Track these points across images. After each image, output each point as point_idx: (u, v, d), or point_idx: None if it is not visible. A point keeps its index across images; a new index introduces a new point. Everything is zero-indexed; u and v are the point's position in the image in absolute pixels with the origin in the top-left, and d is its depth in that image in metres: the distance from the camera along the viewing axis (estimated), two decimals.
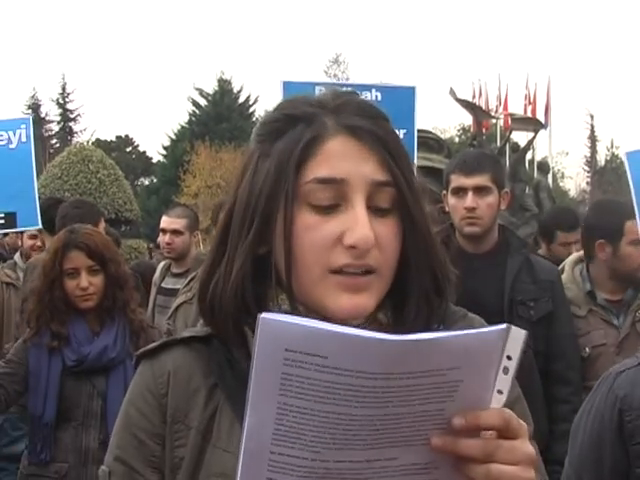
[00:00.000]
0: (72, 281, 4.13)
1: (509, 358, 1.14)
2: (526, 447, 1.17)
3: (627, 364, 2.32)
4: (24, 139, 6.22)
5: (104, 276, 4.17)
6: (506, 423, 1.15)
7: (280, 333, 1.05)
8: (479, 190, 4.07)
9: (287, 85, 5.44)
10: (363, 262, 1.37)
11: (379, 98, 5.51)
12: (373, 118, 1.45)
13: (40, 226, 6.33)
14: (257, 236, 1.44)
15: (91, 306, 4.18)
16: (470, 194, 4.06)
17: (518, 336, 1.14)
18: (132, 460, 1.48)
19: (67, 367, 4.11)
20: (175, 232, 6.50)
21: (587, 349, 4.34)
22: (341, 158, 1.40)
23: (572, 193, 57.75)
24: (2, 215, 6.06)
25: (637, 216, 4.58)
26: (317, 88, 4.79)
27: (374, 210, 1.40)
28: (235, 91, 50.58)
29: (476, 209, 4.06)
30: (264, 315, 1.05)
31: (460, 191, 4.09)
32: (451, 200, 4.13)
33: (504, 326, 1.11)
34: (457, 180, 4.10)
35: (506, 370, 1.15)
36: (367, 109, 1.46)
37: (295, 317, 1.08)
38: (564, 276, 4.61)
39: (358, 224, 1.36)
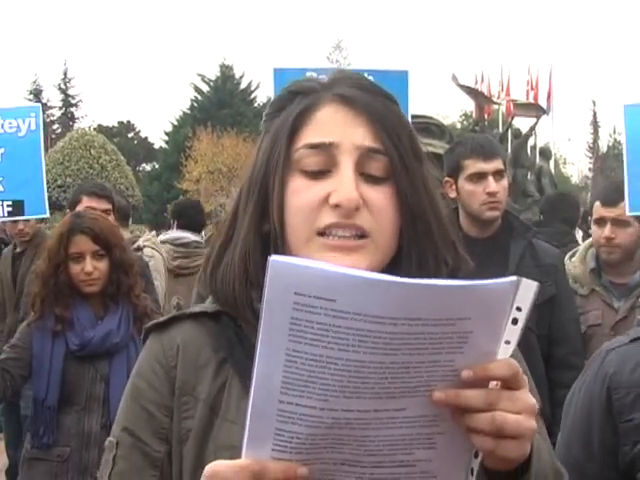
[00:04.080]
0: (77, 265, 4.14)
1: (519, 309, 1.15)
2: (528, 397, 1.18)
3: (618, 341, 2.33)
4: (33, 127, 6.20)
5: (109, 261, 4.19)
6: (513, 374, 1.16)
7: (289, 276, 1.05)
8: (497, 174, 4.08)
9: (278, 72, 5.42)
10: (351, 221, 1.39)
11: None
12: (369, 91, 1.47)
13: (47, 215, 6.35)
14: (258, 208, 1.48)
15: (95, 291, 4.19)
16: (491, 178, 4.05)
17: (529, 287, 1.14)
18: (140, 431, 1.50)
19: (70, 351, 4.12)
20: None
21: (582, 327, 4.41)
22: (331, 124, 1.43)
23: (574, 179, 57.69)
24: (10, 203, 6.05)
25: (625, 170, 4.63)
26: (308, 74, 4.76)
27: (366, 177, 1.43)
28: (237, 77, 50.44)
29: (497, 193, 4.06)
30: (274, 257, 1.06)
31: (479, 176, 4.07)
32: (468, 186, 4.09)
33: (514, 278, 1.12)
34: (475, 165, 4.07)
35: (515, 321, 1.16)
36: (364, 83, 1.50)
37: (305, 260, 1.09)
38: (576, 256, 4.72)
39: (343, 184, 1.39)
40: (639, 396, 2.18)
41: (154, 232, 7.80)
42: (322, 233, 1.41)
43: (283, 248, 1.44)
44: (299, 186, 1.43)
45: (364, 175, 1.42)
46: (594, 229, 4.51)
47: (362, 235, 1.40)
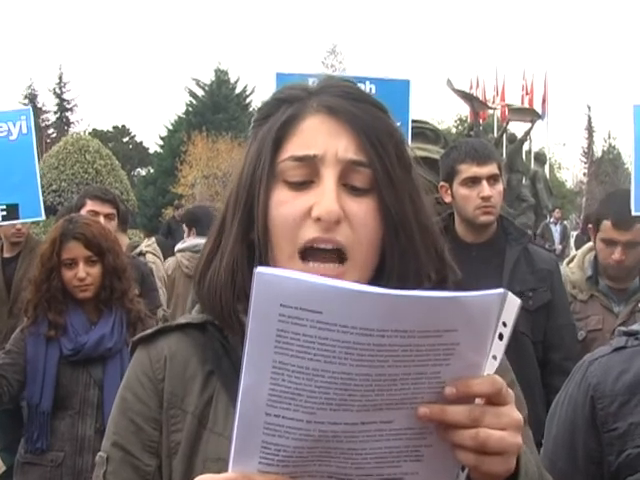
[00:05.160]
0: (70, 271, 4.14)
1: (504, 324, 1.15)
2: (513, 413, 1.18)
3: (600, 352, 2.32)
4: (25, 130, 6.16)
5: (102, 266, 4.18)
6: (497, 391, 1.16)
7: (275, 287, 1.05)
8: (492, 179, 4.08)
9: (280, 77, 5.43)
10: (331, 236, 1.39)
11: (373, 90, 5.48)
12: (356, 100, 1.46)
13: (43, 217, 6.33)
14: (244, 218, 1.47)
15: (89, 296, 4.19)
16: (485, 183, 4.05)
17: (513, 303, 1.14)
18: (130, 445, 1.49)
19: (64, 356, 4.12)
20: None
21: (583, 332, 4.38)
22: (315, 135, 1.43)
23: (569, 184, 57.63)
24: (4, 207, 6.02)
25: (633, 170, 4.59)
26: (310, 80, 4.76)
27: (350, 188, 1.42)
28: (232, 81, 50.38)
29: (491, 197, 4.06)
30: (260, 269, 1.05)
31: (473, 181, 4.07)
32: (462, 190, 4.10)
33: (501, 291, 1.12)
34: (469, 170, 4.08)
35: (501, 336, 1.16)
36: (351, 92, 1.49)
37: (291, 271, 1.08)
38: (574, 262, 4.68)
39: (324, 197, 1.38)
40: (623, 405, 2.16)
41: (153, 239, 7.78)
42: (303, 253, 1.40)
43: (267, 260, 1.43)
44: (283, 197, 1.42)
45: (347, 186, 1.42)
46: (601, 247, 4.42)
47: (341, 256, 1.40)
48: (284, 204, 1.42)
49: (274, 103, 1.51)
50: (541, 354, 4.09)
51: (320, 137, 1.43)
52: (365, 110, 1.46)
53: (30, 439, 4.10)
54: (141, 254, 6.74)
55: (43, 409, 4.08)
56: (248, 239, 1.47)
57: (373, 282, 1.42)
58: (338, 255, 1.40)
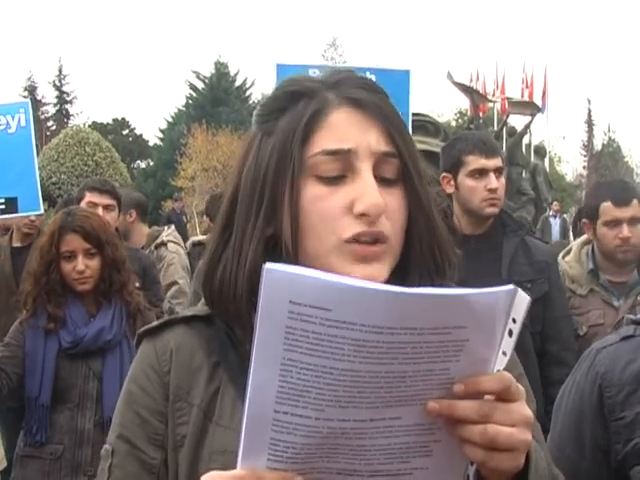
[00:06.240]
0: (69, 264, 4.15)
1: (514, 321, 1.15)
2: (523, 409, 1.18)
3: (608, 340, 2.32)
4: (23, 123, 6.14)
5: (101, 259, 4.18)
6: (506, 388, 1.16)
7: (285, 285, 1.04)
8: (497, 171, 4.10)
9: (281, 68, 5.42)
10: (375, 229, 1.38)
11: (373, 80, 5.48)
12: (374, 92, 1.47)
13: (42, 211, 6.31)
14: (268, 215, 1.44)
15: (88, 289, 4.20)
16: (492, 175, 4.07)
17: (523, 300, 1.14)
18: (135, 438, 1.48)
19: (63, 349, 4.12)
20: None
21: (584, 327, 4.36)
22: (346, 129, 1.42)
23: (569, 177, 57.51)
24: (2, 200, 6.01)
25: None
26: (311, 71, 4.76)
27: (380, 180, 1.41)
28: (232, 74, 50.32)
29: (497, 190, 4.07)
30: (269, 266, 1.05)
31: (481, 172, 4.08)
32: (469, 182, 4.10)
33: (512, 287, 1.11)
34: (477, 162, 4.08)
35: (510, 332, 1.15)
36: (367, 83, 1.49)
37: (300, 268, 1.07)
38: (570, 256, 4.66)
39: (367, 191, 1.38)
40: (630, 394, 2.17)
41: (173, 227, 7.66)
42: (348, 241, 1.39)
43: (297, 255, 1.42)
44: (318, 193, 1.40)
45: (378, 179, 1.41)
46: (604, 231, 4.41)
47: (380, 239, 1.39)
48: (321, 199, 1.40)
49: (287, 96, 1.47)
50: (539, 345, 4.10)
51: (351, 130, 1.41)
52: (385, 101, 1.46)
53: (29, 432, 4.11)
54: (163, 244, 6.68)
55: (42, 402, 4.08)
56: (265, 236, 1.45)
57: (403, 272, 1.44)
58: (377, 241, 1.39)
